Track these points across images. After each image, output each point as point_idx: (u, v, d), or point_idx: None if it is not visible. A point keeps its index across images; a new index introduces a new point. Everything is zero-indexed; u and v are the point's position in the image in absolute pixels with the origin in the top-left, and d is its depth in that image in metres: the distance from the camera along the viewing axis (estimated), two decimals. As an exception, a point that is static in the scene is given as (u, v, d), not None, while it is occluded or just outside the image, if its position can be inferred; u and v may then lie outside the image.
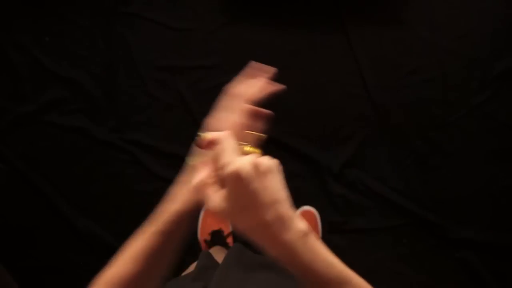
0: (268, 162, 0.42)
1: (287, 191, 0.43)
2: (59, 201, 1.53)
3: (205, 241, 1.43)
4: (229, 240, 1.45)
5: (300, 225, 0.43)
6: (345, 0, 1.59)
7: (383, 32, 1.59)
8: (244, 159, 0.40)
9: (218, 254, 1.16)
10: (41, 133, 1.58)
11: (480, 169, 1.53)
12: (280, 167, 0.43)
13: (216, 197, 0.41)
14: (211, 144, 0.43)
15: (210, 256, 0.87)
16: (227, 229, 1.47)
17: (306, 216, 1.48)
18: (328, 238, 1.48)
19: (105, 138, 1.56)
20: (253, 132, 0.51)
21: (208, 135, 0.44)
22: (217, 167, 0.42)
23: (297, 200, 1.50)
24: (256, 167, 0.40)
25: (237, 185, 0.40)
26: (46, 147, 1.58)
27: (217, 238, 1.42)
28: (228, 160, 0.40)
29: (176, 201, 0.51)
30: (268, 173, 0.41)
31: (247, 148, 0.45)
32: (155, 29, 1.62)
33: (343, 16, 1.58)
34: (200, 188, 0.43)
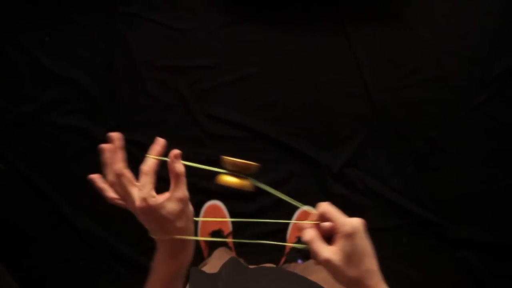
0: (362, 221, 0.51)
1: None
2: (59, 201, 1.53)
3: (205, 241, 1.43)
4: (229, 240, 1.45)
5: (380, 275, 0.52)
6: (345, 0, 1.59)
7: (383, 32, 1.59)
8: (356, 220, 0.49)
9: (223, 255, 1.16)
10: (41, 133, 1.58)
11: (480, 169, 1.53)
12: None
13: (328, 251, 0.49)
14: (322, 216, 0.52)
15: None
16: (227, 229, 1.46)
17: (306, 216, 1.48)
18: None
19: (105, 138, 1.56)
20: (242, 161, 0.54)
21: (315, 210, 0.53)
22: (331, 227, 0.50)
23: (297, 200, 1.50)
24: (365, 225, 0.50)
25: (353, 241, 0.49)
26: (46, 147, 1.58)
27: (217, 238, 1.42)
28: (344, 221, 0.49)
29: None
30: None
31: (230, 179, 0.53)
32: (155, 29, 1.62)
33: (343, 16, 1.58)
34: (312, 242, 0.51)
